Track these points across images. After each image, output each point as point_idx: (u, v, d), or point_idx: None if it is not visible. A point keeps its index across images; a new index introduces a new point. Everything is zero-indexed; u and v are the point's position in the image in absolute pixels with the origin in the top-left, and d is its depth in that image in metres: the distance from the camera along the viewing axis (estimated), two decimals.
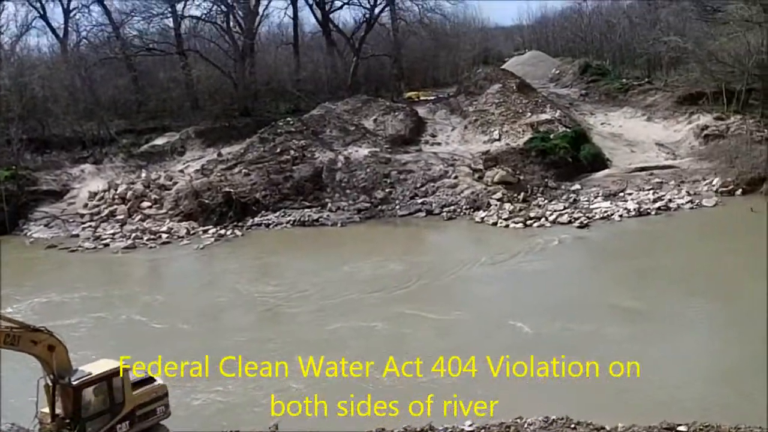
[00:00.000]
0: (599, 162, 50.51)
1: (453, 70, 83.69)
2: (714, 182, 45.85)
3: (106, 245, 43.42)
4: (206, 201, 47.31)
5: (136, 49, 66.72)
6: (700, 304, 29.32)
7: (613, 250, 38.39)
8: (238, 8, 66.28)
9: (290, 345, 27.32)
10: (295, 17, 73.16)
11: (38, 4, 67.21)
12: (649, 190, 46.02)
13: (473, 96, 58.86)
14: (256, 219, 46.43)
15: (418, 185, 48.36)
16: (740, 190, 44.59)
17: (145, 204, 48.24)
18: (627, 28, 77.38)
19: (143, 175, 51.35)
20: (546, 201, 45.58)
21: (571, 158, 49.74)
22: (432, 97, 67.04)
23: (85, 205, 48.94)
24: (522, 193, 46.41)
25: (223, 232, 44.63)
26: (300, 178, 49.17)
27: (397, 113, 56.16)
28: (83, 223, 47.09)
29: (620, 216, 42.43)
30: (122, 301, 33.82)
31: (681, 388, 22.54)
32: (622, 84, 65.89)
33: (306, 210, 47.05)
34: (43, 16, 68.22)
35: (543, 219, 42.66)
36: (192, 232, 44.88)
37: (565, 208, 44.07)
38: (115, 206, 48.17)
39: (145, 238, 44.03)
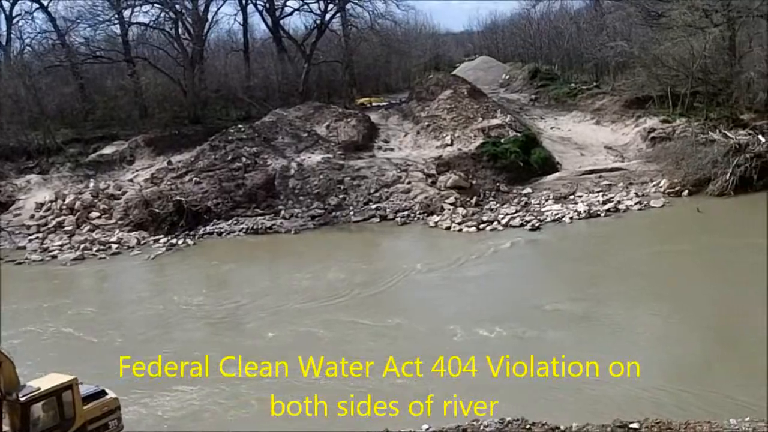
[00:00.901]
0: (549, 166, 51.16)
1: (405, 76, 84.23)
2: (661, 184, 46.76)
3: (54, 257, 42.49)
4: (157, 210, 46.63)
5: (82, 56, 65.65)
6: (648, 305, 29.75)
7: (563, 252, 38.87)
8: (187, 15, 65.62)
9: (219, 353, 27.21)
10: (245, 23, 72.90)
11: None
12: (598, 192, 46.74)
13: (425, 102, 59.13)
14: (208, 227, 45.92)
15: (372, 191, 48.40)
16: (686, 191, 45.52)
17: (94, 214, 47.34)
18: (575, 34, 78.65)
19: (91, 184, 50.41)
20: (498, 205, 46.01)
21: (522, 162, 50.30)
22: (384, 103, 67.23)
23: (32, 216, 47.84)
24: (475, 198, 46.76)
25: (174, 241, 44.02)
26: (252, 186, 48.81)
27: (349, 119, 56.14)
28: (30, 234, 46.00)
29: (571, 218, 43.00)
30: (52, 313, 33.02)
31: (632, 387, 22.87)
32: (570, 89, 66.87)
33: (259, 218, 46.70)
34: None
35: (496, 222, 43.06)
36: (143, 242, 44.19)
37: (517, 211, 44.53)
38: (63, 217, 47.17)
39: (95, 249, 43.21)
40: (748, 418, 19.38)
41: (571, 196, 46.49)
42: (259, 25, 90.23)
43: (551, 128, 58.61)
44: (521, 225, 42.43)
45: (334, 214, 46.64)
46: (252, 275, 37.54)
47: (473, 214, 44.58)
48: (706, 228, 39.65)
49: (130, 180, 51.24)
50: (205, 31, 67.65)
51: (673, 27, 56.70)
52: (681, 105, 55.18)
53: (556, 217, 43.23)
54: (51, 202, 48.52)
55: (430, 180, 48.90)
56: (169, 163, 52.13)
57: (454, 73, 77.73)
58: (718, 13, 54.11)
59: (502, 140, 51.99)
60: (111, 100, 63.30)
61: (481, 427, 20.03)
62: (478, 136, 53.02)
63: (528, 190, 47.84)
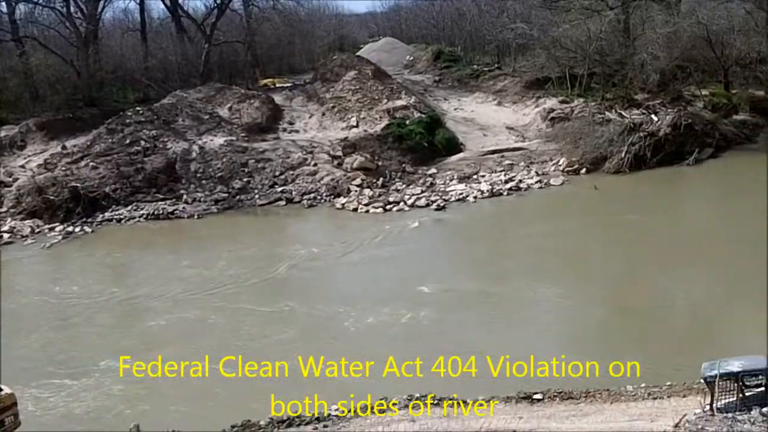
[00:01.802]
0: (453, 146, 51.74)
1: (309, 57, 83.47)
2: (560, 162, 47.97)
3: None
4: (51, 197, 44.71)
5: None
6: (548, 280, 30.39)
7: (468, 231, 39.41)
8: None
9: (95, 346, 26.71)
10: (142, 2, 70.67)
11: None
12: (500, 171, 47.56)
13: (330, 83, 58.74)
14: (107, 214, 44.35)
15: (277, 173, 47.79)
16: (584, 169, 46.85)
17: None
18: (476, 16, 79.71)
19: None
20: (404, 185, 46.22)
21: (426, 143, 50.68)
22: (288, 84, 66.42)
23: None
24: (381, 179, 46.81)
25: (71, 229, 42.36)
26: (152, 170, 47.37)
27: (252, 101, 55.20)
28: None
29: (475, 197, 43.65)
30: None
31: (534, 361, 23.35)
32: (473, 70, 67.77)
33: (160, 203, 45.40)
34: None
35: (402, 203, 43.26)
36: (37, 230, 42.33)
37: (422, 191, 44.87)
38: None
39: None
40: (643, 384, 20.14)
41: (475, 176, 47.15)
42: (157, 4, 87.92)
43: (455, 109, 59.24)
44: (427, 205, 42.79)
45: (238, 197, 45.83)
46: (149, 263, 36.49)
47: (380, 195, 44.65)
48: (603, 205, 40.97)
49: (22, 166, 48.92)
50: (99, 9, 65.16)
51: (570, 10, 58.22)
52: (579, 86, 56.70)
53: (461, 196, 43.79)
54: None
55: (336, 162, 48.65)
56: (64, 147, 50.01)
57: (358, 54, 77.51)
58: None
59: (407, 121, 52.23)
60: None
61: (391, 404, 20.14)
62: (383, 117, 53.08)
63: (433, 170, 48.25)
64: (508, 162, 49.02)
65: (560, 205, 42.29)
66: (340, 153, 49.27)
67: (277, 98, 57.72)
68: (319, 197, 45.48)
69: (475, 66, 69.57)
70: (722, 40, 54.38)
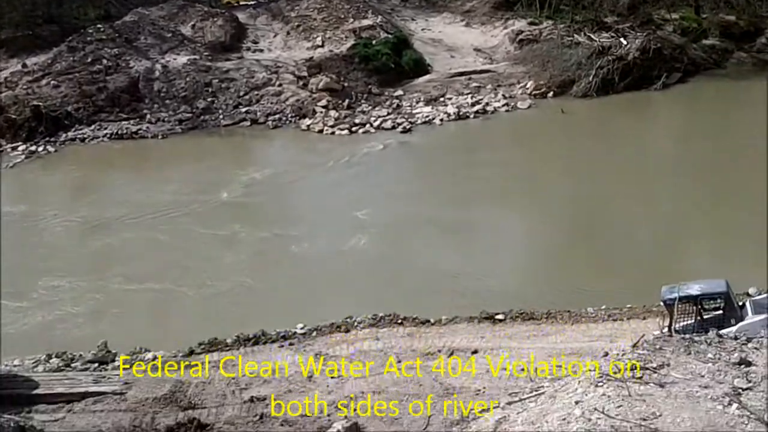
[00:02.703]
0: (420, 68, 51.12)
1: None
2: (528, 85, 47.82)
3: None
4: (13, 116, 43.84)
5: None
6: (511, 205, 30.77)
7: (433, 154, 39.47)
8: None
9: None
10: None
11: None
12: (467, 94, 47.31)
13: (295, 1, 57.36)
14: (71, 133, 43.61)
15: (242, 94, 47.10)
16: (552, 92, 46.77)
17: None
18: None
19: None
20: (370, 107, 45.86)
21: (393, 64, 49.99)
22: (252, 2, 64.64)
23: None
24: (347, 100, 46.36)
25: (34, 148, 41.84)
26: (115, 89, 46.38)
27: (216, 19, 53.85)
28: None
29: (441, 120, 43.54)
30: None
31: (497, 283, 23.89)
32: None
33: (124, 122, 44.64)
34: None
35: (368, 125, 43.06)
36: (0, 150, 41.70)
37: (388, 113, 44.62)
38: None
39: None
40: (604, 306, 20.75)
41: (442, 99, 46.90)
42: None
43: (422, 30, 58.31)
44: (393, 127, 42.65)
45: (202, 117, 45.23)
46: (110, 184, 36.36)
47: (345, 117, 44.33)
48: (570, 129, 41.19)
49: None
50: None
51: None
52: (548, 7, 55.92)
53: (427, 119, 43.66)
54: None
55: (301, 82, 47.98)
56: (24, 65, 48.69)
57: None
58: None
59: (374, 42, 51.40)
60: None
61: (355, 323, 20.54)
62: (349, 37, 52.19)
63: (399, 92, 47.86)
64: (475, 84, 48.74)
65: (526, 129, 42.43)
66: (305, 73, 48.54)
67: (241, 16, 56.33)
68: (284, 118, 45.04)
69: None
70: None
